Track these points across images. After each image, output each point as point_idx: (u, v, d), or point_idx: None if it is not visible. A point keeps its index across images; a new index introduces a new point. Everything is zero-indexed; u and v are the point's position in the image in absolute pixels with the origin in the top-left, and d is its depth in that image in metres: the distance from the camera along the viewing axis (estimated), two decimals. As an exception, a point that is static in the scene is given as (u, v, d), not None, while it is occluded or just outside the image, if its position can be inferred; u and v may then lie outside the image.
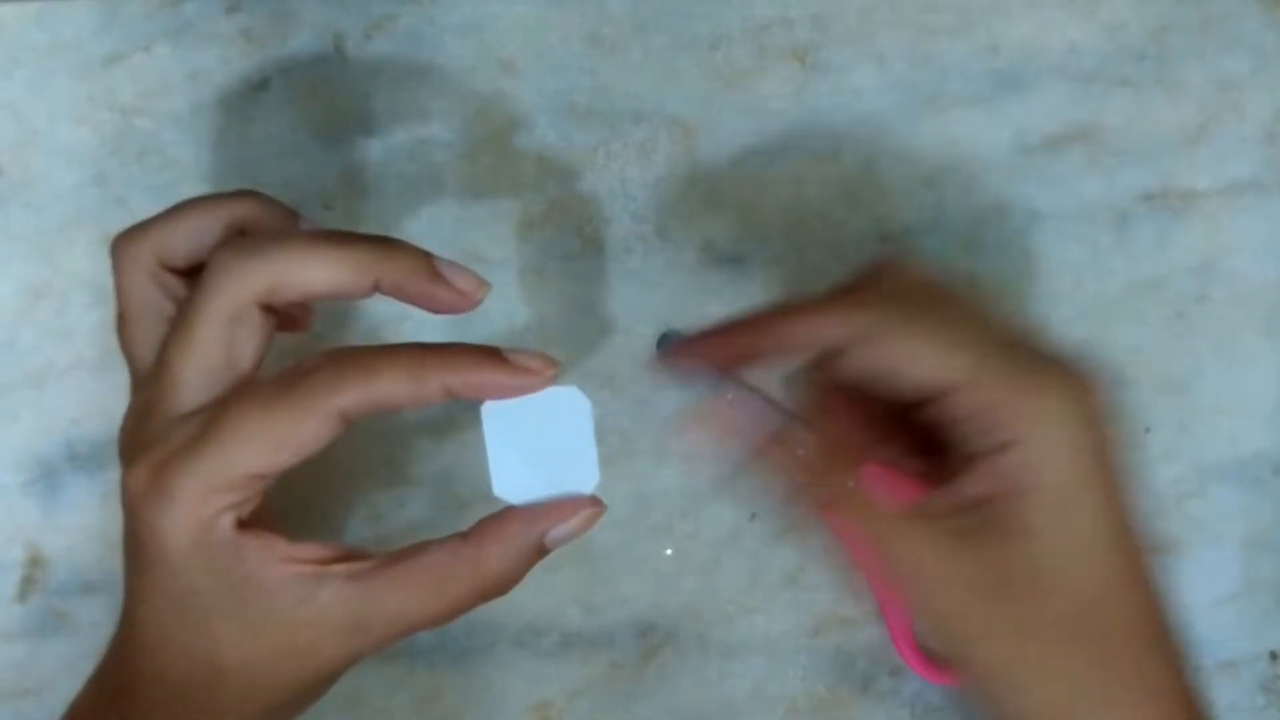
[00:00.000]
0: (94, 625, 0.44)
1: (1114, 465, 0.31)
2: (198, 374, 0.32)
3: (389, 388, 0.31)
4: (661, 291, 0.43)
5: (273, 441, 0.31)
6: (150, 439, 0.32)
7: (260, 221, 0.36)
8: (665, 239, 0.43)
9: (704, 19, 0.43)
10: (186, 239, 0.35)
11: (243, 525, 0.32)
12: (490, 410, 0.32)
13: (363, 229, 0.43)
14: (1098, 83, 0.43)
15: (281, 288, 0.32)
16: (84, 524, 0.44)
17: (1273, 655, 0.44)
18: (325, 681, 0.34)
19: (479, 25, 0.43)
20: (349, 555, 0.33)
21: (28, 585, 0.44)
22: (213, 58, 0.43)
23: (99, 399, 0.43)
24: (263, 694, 0.33)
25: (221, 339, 0.32)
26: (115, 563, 0.43)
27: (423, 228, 0.43)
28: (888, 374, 0.31)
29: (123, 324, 0.36)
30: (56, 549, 0.44)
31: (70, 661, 0.44)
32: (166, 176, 0.43)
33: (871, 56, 0.43)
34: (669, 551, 0.44)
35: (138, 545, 0.33)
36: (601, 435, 0.43)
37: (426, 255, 0.33)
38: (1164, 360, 0.44)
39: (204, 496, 0.31)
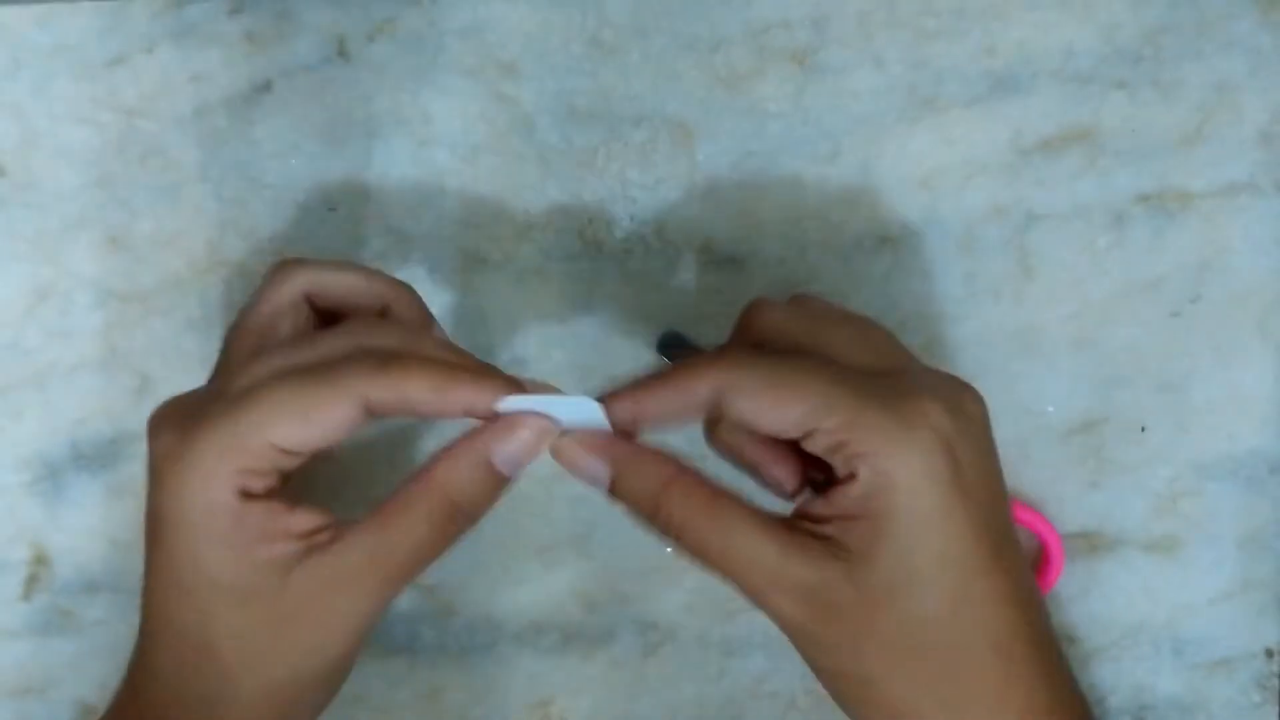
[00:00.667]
0: (98, 624, 0.44)
1: (970, 488, 0.31)
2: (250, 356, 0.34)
3: (416, 393, 0.32)
4: (661, 291, 0.44)
5: (297, 415, 0.32)
6: (188, 408, 0.34)
7: (402, 313, 0.38)
8: (665, 239, 0.44)
9: (704, 21, 0.43)
10: (339, 289, 0.38)
11: (251, 496, 0.32)
12: (509, 403, 0.33)
13: (365, 230, 0.43)
14: (1094, 84, 0.43)
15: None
16: (88, 523, 0.44)
17: (1269, 653, 0.44)
18: (328, 654, 0.34)
19: (480, 28, 0.43)
20: (334, 524, 0.33)
21: (32, 584, 0.44)
22: (215, 60, 0.43)
23: (103, 399, 0.44)
24: (257, 673, 0.33)
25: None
26: (120, 562, 0.44)
27: (424, 229, 0.44)
28: (753, 424, 0.32)
29: (242, 323, 0.37)
30: (61, 548, 0.44)
31: (75, 660, 0.44)
32: (169, 178, 0.44)
33: (870, 59, 0.43)
34: (669, 549, 0.44)
35: (153, 513, 0.33)
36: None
37: (511, 380, 0.34)
38: (1160, 360, 0.44)
39: (220, 457, 0.32)
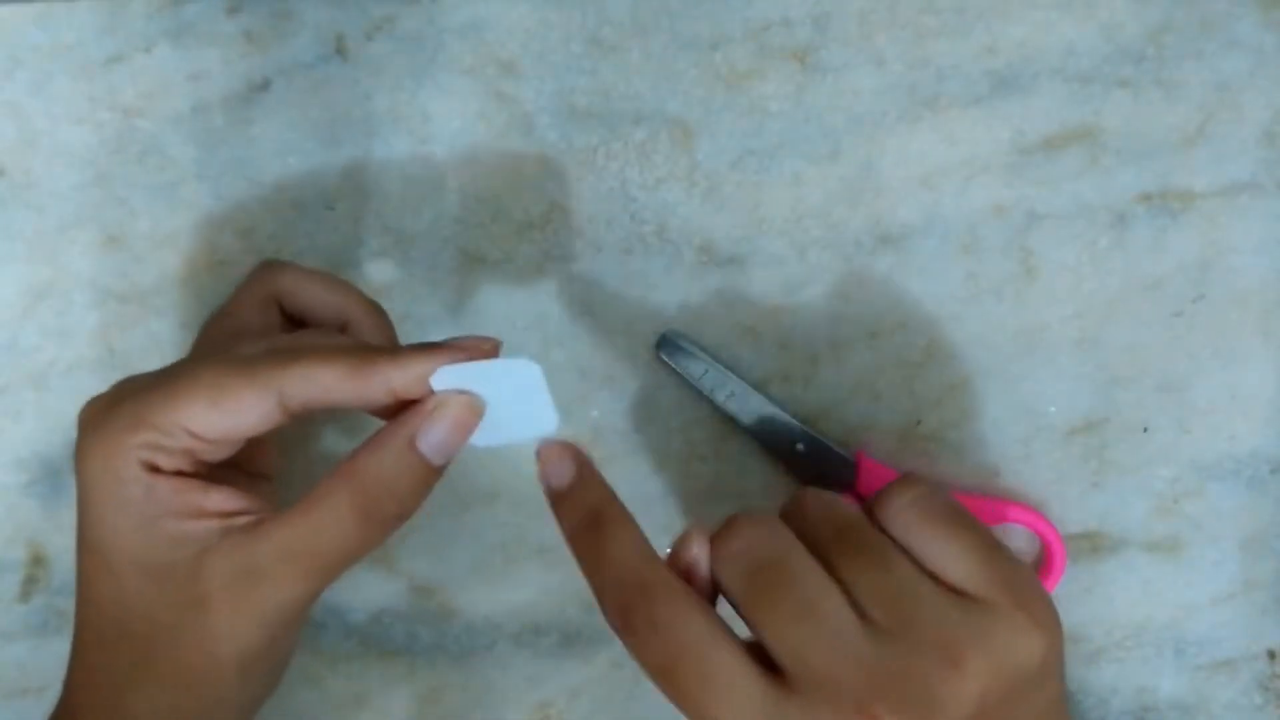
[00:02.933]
0: (96, 624, 0.44)
1: None
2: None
3: (331, 382, 0.31)
4: (661, 291, 0.44)
5: (208, 400, 0.31)
6: (124, 386, 0.34)
7: (363, 331, 0.38)
8: (665, 239, 0.44)
9: (704, 20, 0.43)
10: (305, 296, 0.38)
11: (158, 470, 0.32)
12: (442, 377, 0.32)
13: (364, 229, 0.43)
14: (1096, 83, 0.43)
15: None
16: (86, 524, 0.44)
17: (1271, 654, 0.44)
18: (243, 644, 0.32)
19: (479, 26, 0.43)
20: (256, 509, 0.33)
21: (30, 585, 0.44)
22: (214, 58, 0.43)
23: (100, 399, 0.44)
24: (169, 655, 0.32)
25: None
26: (117, 562, 0.44)
27: (423, 228, 0.43)
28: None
29: (213, 315, 0.38)
30: (58, 549, 0.44)
31: (72, 661, 0.44)
32: (167, 177, 0.43)
33: (870, 57, 0.43)
34: (669, 550, 0.44)
35: (78, 488, 0.33)
36: (602, 435, 0.44)
37: (429, 347, 0.32)
38: (1162, 360, 0.44)
39: (129, 428, 0.31)
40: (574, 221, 0.44)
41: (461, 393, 0.32)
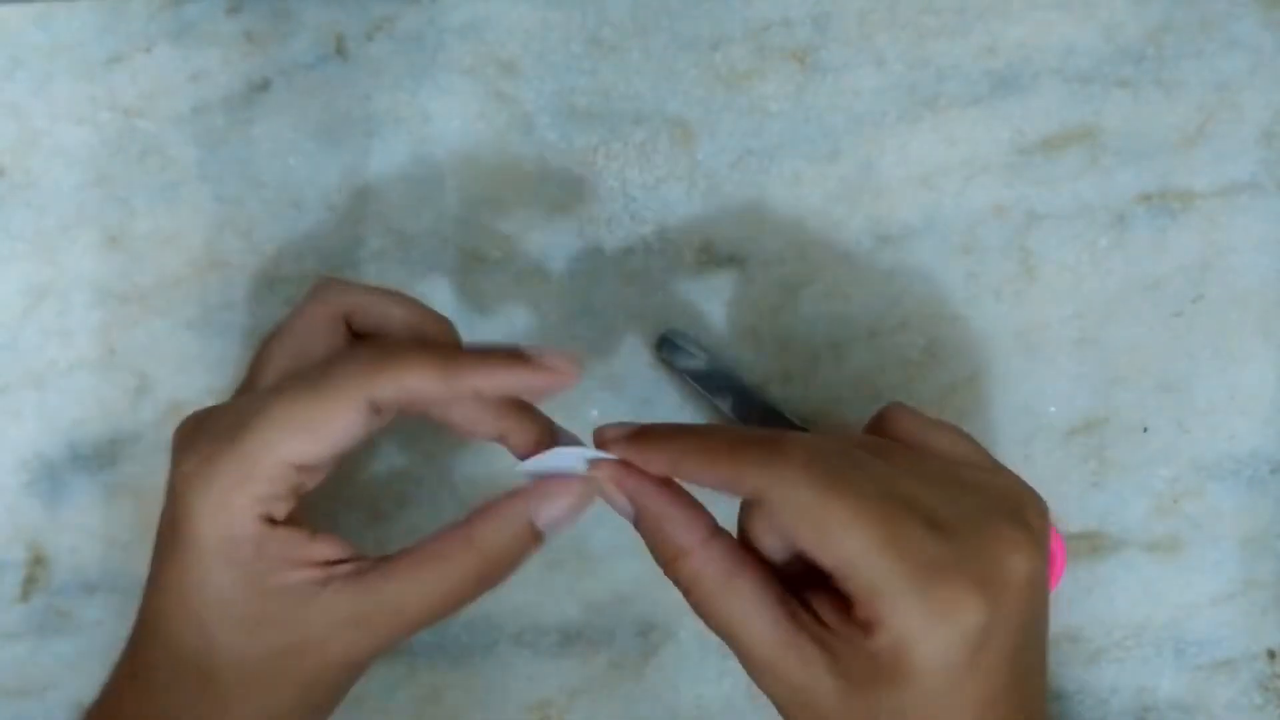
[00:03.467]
0: (96, 625, 0.44)
1: (990, 670, 0.30)
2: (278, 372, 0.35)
3: (419, 382, 0.32)
4: (661, 291, 0.44)
5: (305, 428, 0.31)
6: (210, 426, 0.33)
7: (434, 336, 0.37)
8: (665, 239, 0.44)
9: (704, 20, 0.43)
10: (376, 312, 0.37)
11: (273, 522, 0.32)
12: (528, 468, 0.34)
13: (364, 229, 0.43)
14: (1095, 83, 0.43)
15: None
16: (86, 524, 0.44)
17: (1270, 654, 0.44)
18: (329, 687, 0.34)
19: (479, 26, 0.43)
20: (356, 557, 0.33)
21: (30, 585, 0.44)
22: (214, 59, 0.43)
23: (101, 399, 0.44)
24: (254, 701, 0.32)
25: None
26: (118, 562, 0.44)
27: (423, 228, 0.43)
28: (784, 539, 0.31)
29: (272, 337, 0.37)
30: (59, 549, 0.44)
31: (72, 661, 0.44)
32: (168, 177, 0.43)
33: (870, 57, 0.43)
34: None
35: (171, 530, 0.33)
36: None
37: (516, 354, 0.33)
38: (1162, 359, 0.44)
39: (240, 483, 0.31)
40: (574, 221, 0.44)
41: (582, 478, 0.33)
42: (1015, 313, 0.44)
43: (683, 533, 0.32)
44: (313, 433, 0.32)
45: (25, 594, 0.44)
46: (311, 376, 0.32)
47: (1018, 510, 0.31)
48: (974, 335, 0.44)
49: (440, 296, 0.43)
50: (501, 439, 0.35)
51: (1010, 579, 0.30)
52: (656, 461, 0.33)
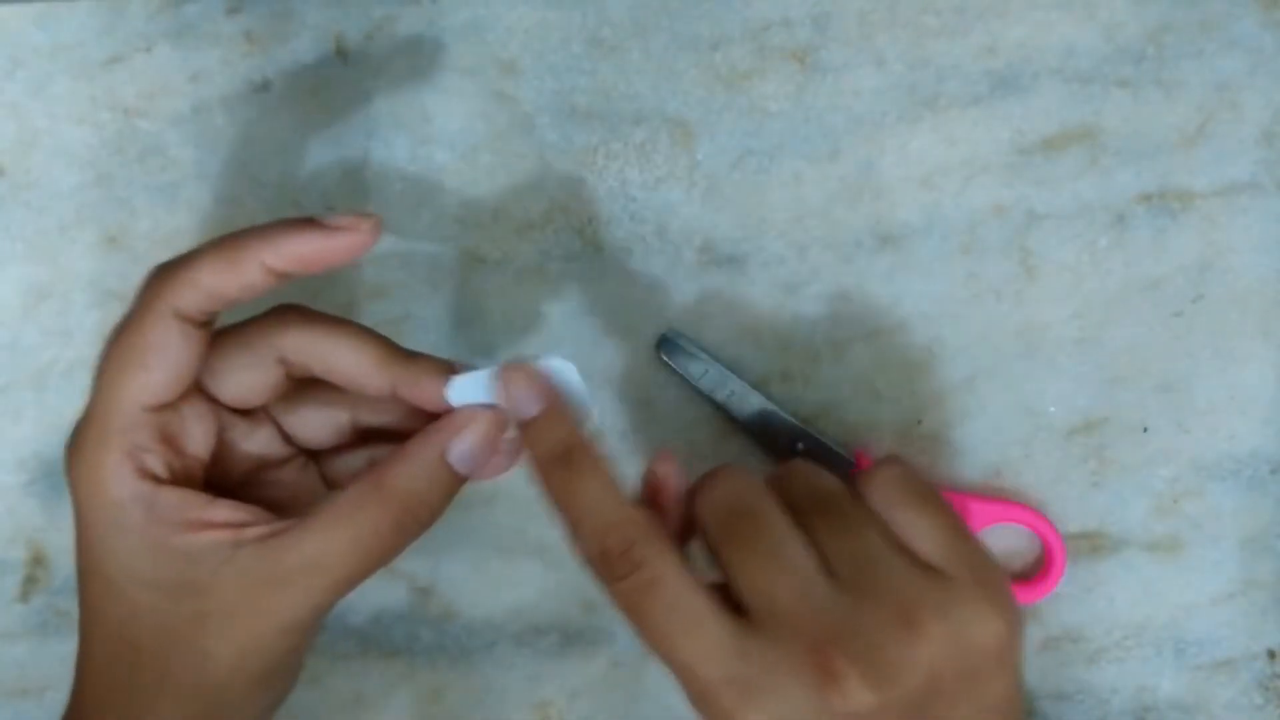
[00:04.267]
0: (96, 625, 0.44)
1: None
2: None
3: (211, 277, 0.31)
4: (661, 291, 0.44)
5: (137, 361, 0.31)
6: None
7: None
8: (665, 239, 0.44)
9: (704, 20, 0.43)
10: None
11: (157, 480, 0.32)
12: (455, 391, 0.33)
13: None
14: (1095, 83, 0.43)
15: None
16: (86, 524, 0.44)
17: (1270, 654, 0.44)
18: (267, 653, 0.33)
19: (479, 27, 0.43)
20: (266, 519, 0.32)
21: (30, 585, 0.44)
22: (214, 59, 0.43)
23: (101, 399, 0.44)
24: (186, 670, 0.32)
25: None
26: (117, 562, 0.44)
27: (423, 228, 0.43)
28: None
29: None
30: (59, 548, 0.44)
31: (72, 661, 0.44)
32: (168, 177, 0.43)
33: (870, 57, 0.43)
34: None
35: (75, 515, 0.32)
36: (602, 435, 0.43)
37: (303, 220, 0.33)
38: (1162, 359, 0.44)
39: (99, 442, 0.31)
40: (574, 221, 0.44)
41: (488, 407, 0.33)
42: (1015, 313, 0.44)
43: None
44: (138, 363, 0.31)
45: (25, 594, 0.44)
46: (125, 316, 0.32)
47: (890, 638, 0.30)
48: (974, 335, 0.44)
49: (440, 297, 0.43)
50: (394, 390, 0.34)
51: (800, 710, 0.29)
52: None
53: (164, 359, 0.31)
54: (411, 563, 0.44)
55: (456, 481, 0.33)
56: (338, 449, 0.37)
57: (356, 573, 0.32)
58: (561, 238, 0.44)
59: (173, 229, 0.43)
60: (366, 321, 0.43)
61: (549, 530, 0.44)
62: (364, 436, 0.37)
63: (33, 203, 0.43)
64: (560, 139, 0.43)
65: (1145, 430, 0.44)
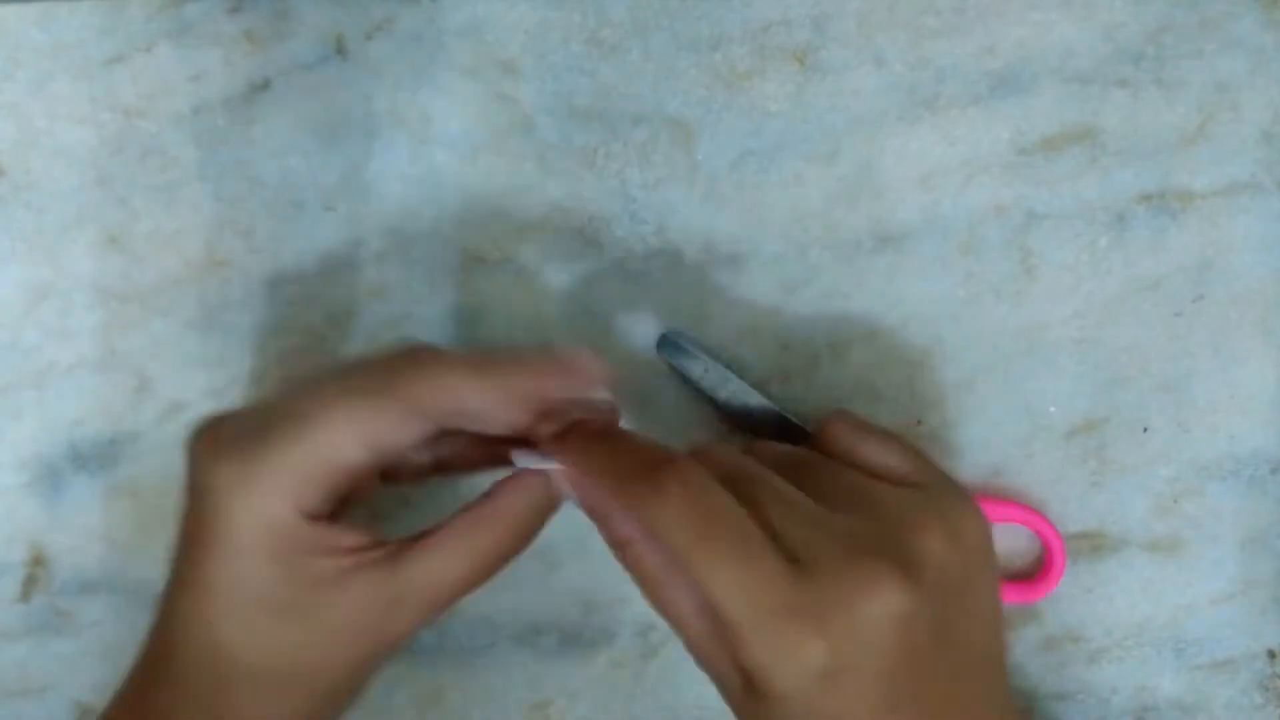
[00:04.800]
0: (96, 625, 0.44)
1: (866, 690, 0.31)
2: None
3: (463, 387, 0.33)
4: (661, 291, 0.44)
5: (359, 437, 0.32)
6: (244, 427, 0.33)
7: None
8: (665, 239, 0.44)
9: (704, 20, 0.43)
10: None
11: (313, 517, 0.33)
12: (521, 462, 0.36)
13: (364, 230, 0.43)
14: (1095, 83, 0.43)
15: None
16: (86, 524, 0.44)
17: (1270, 654, 0.44)
18: (373, 669, 0.35)
19: (479, 27, 0.43)
20: (383, 542, 0.34)
21: (30, 585, 0.44)
22: (214, 59, 0.43)
23: (101, 399, 0.44)
24: (302, 688, 0.33)
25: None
26: (118, 563, 0.44)
27: (423, 229, 0.43)
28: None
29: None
30: (59, 549, 0.44)
31: (72, 661, 0.44)
32: (168, 177, 0.43)
33: (870, 58, 0.43)
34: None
35: (201, 530, 0.33)
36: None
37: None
38: (1162, 359, 0.44)
39: (279, 482, 0.32)
40: (574, 221, 0.44)
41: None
42: (1015, 313, 0.44)
43: (625, 525, 0.34)
44: (367, 443, 0.32)
45: (25, 594, 0.44)
46: (359, 382, 0.33)
47: (904, 539, 0.33)
48: (974, 335, 0.44)
49: (441, 297, 0.44)
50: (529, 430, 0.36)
51: (864, 619, 0.31)
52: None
53: (381, 444, 0.33)
54: (411, 563, 0.44)
55: (554, 506, 0.36)
56: None
57: (464, 590, 0.34)
58: (561, 238, 0.44)
59: (173, 229, 0.44)
60: (366, 321, 0.43)
61: (549, 530, 0.44)
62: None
63: (33, 203, 0.44)
64: (560, 139, 0.43)
65: (1145, 430, 0.44)
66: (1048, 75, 0.43)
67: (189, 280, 0.44)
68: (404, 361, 0.33)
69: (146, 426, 0.44)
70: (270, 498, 0.32)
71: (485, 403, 0.33)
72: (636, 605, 0.44)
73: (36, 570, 0.44)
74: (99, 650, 0.44)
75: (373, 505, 0.44)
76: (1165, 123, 0.43)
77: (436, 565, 0.33)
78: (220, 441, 0.33)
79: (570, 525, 0.44)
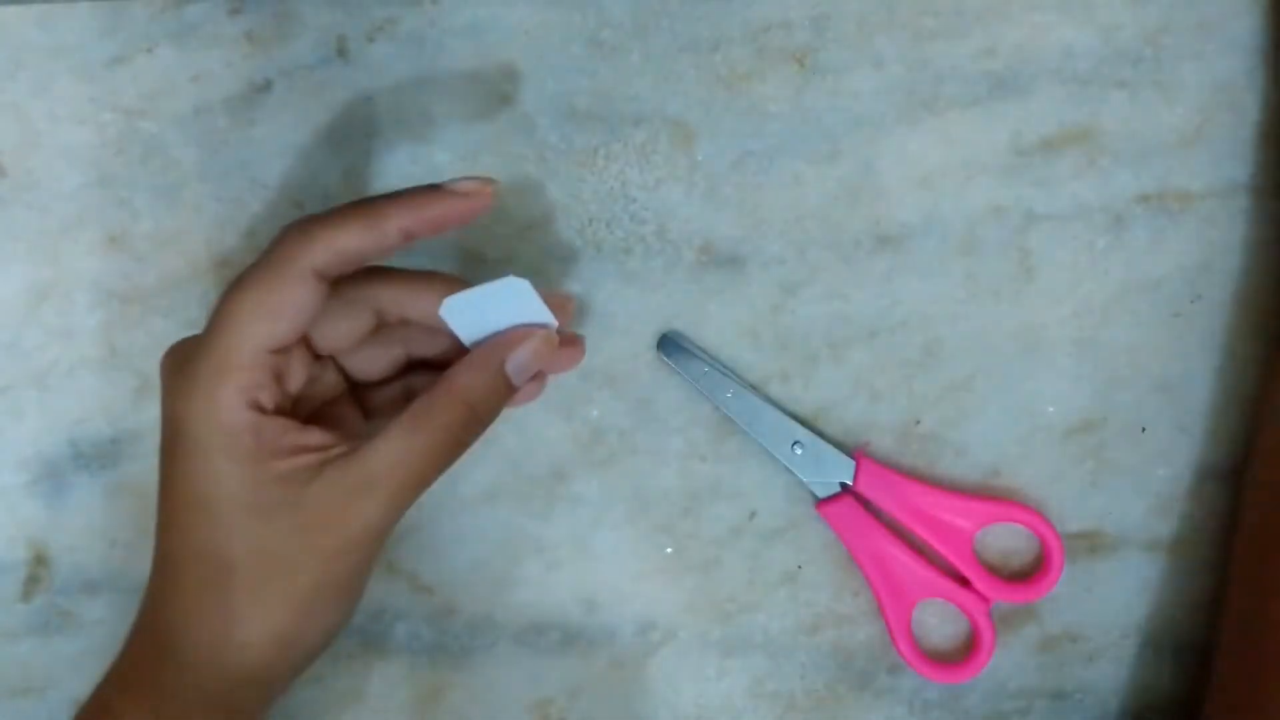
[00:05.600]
0: (98, 624, 0.44)
1: None
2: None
3: (351, 239, 0.34)
4: (661, 291, 0.44)
5: (264, 311, 0.34)
6: (186, 344, 0.36)
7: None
8: (665, 239, 0.44)
9: (703, 22, 0.43)
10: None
11: (263, 410, 0.34)
12: (448, 309, 0.36)
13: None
14: (1094, 85, 0.43)
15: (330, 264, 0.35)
16: (88, 523, 0.44)
17: (1269, 653, 0.44)
18: (352, 562, 0.35)
19: (480, 28, 0.43)
20: (347, 440, 0.35)
21: (32, 584, 0.44)
22: (216, 60, 0.43)
23: (102, 398, 0.44)
24: (279, 583, 0.34)
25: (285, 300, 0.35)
26: (119, 562, 0.44)
27: (424, 229, 0.44)
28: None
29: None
30: (60, 548, 0.44)
31: (74, 660, 0.44)
32: (170, 178, 0.44)
33: (869, 59, 0.43)
34: (669, 550, 0.44)
35: (171, 437, 0.35)
36: (601, 435, 0.44)
37: (430, 187, 0.36)
38: (1160, 360, 0.44)
39: (222, 375, 0.34)
40: (574, 221, 0.44)
41: (542, 326, 0.37)
42: (1014, 313, 0.44)
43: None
44: (271, 313, 0.34)
45: (27, 594, 0.44)
46: (258, 264, 0.35)
47: None
48: (973, 335, 0.44)
49: (441, 297, 0.44)
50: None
51: None
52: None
53: (296, 312, 0.34)
54: (412, 562, 0.44)
55: (510, 391, 0.37)
56: (380, 382, 0.40)
57: (431, 472, 0.35)
58: (561, 238, 0.44)
59: (174, 229, 0.44)
60: (367, 321, 0.43)
61: (549, 530, 0.44)
62: (406, 369, 0.40)
63: (34, 203, 0.44)
64: (560, 140, 0.44)
65: (1143, 430, 0.44)
66: (1047, 76, 0.43)
67: (190, 280, 0.44)
68: (292, 232, 0.35)
69: (147, 426, 0.44)
70: (218, 395, 0.34)
71: (368, 242, 0.35)
72: (636, 605, 0.44)
73: (38, 570, 0.44)
74: (100, 649, 0.44)
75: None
76: (1164, 124, 0.43)
77: (401, 449, 0.34)
78: (174, 357, 0.36)
79: (571, 524, 0.44)
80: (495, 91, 0.44)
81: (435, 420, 0.35)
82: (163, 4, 0.43)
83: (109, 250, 0.44)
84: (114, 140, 0.44)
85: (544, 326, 0.37)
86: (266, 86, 0.44)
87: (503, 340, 0.37)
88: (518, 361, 0.37)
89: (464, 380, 0.36)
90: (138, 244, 0.44)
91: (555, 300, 0.38)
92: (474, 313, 0.37)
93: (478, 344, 0.37)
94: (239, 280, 0.35)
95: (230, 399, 0.34)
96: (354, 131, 0.44)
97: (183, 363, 0.35)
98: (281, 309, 0.34)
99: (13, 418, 0.44)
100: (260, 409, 0.34)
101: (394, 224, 0.35)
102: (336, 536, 0.34)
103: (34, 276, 0.44)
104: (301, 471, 0.34)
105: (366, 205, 0.35)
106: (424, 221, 0.36)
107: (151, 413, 0.44)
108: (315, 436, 0.35)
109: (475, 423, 0.36)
